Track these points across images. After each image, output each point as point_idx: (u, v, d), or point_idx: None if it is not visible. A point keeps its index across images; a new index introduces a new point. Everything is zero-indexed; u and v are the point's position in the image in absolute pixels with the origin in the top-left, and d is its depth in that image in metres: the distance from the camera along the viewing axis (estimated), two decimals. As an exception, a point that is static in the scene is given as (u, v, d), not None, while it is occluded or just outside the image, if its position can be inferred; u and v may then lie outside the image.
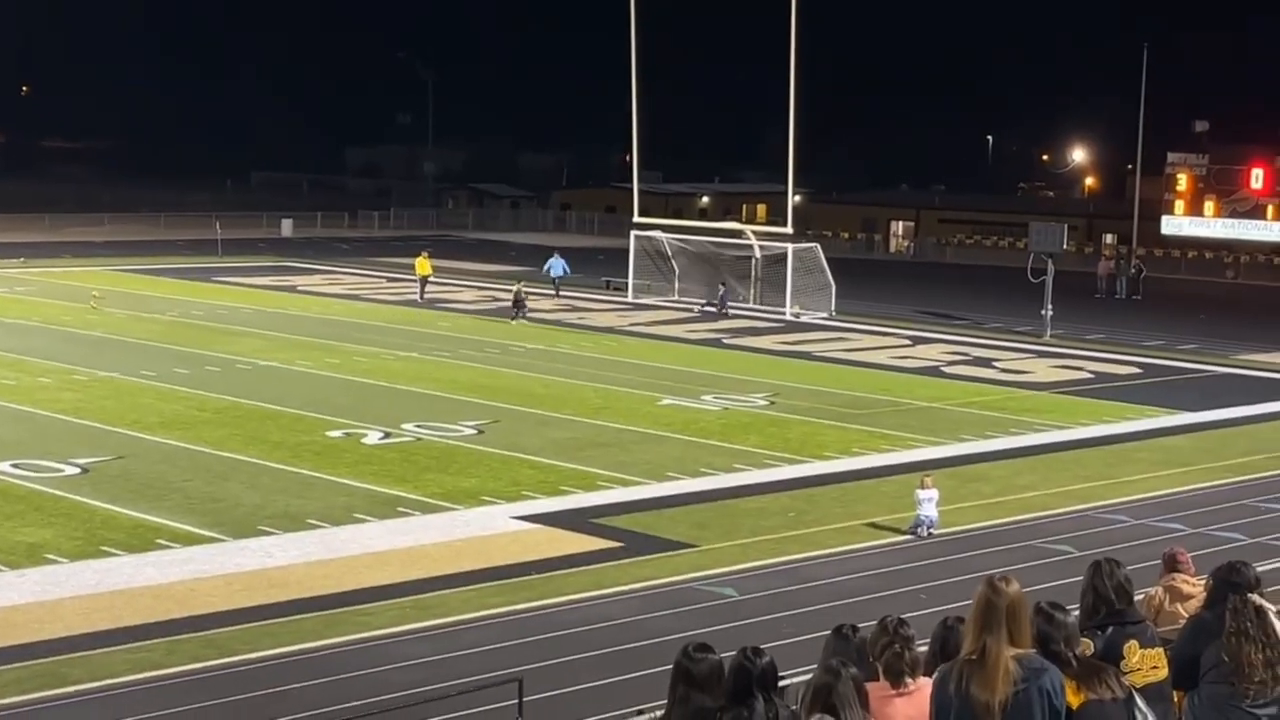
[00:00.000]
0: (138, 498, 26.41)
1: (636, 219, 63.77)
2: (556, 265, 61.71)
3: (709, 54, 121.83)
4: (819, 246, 60.55)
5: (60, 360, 40.99)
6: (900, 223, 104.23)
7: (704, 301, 58.76)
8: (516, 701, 15.21)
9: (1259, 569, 9.32)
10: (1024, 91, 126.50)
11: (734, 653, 7.63)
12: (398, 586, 22.02)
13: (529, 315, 53.14)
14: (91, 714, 17.17)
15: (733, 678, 7.44)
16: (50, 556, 22.77)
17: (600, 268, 69.84)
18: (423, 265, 60.59)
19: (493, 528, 25.63)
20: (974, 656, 7.00)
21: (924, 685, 7.46)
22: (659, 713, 12.64)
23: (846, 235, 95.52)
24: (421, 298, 58.92)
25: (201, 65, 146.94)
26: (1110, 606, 8.16)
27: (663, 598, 21.47)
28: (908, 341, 51.59)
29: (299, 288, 62.80)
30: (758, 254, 60.72)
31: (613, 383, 40.68)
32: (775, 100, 58.38)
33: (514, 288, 55.13)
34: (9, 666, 18.37)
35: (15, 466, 28.32)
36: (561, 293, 60.43)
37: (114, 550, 23.25)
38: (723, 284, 58.54)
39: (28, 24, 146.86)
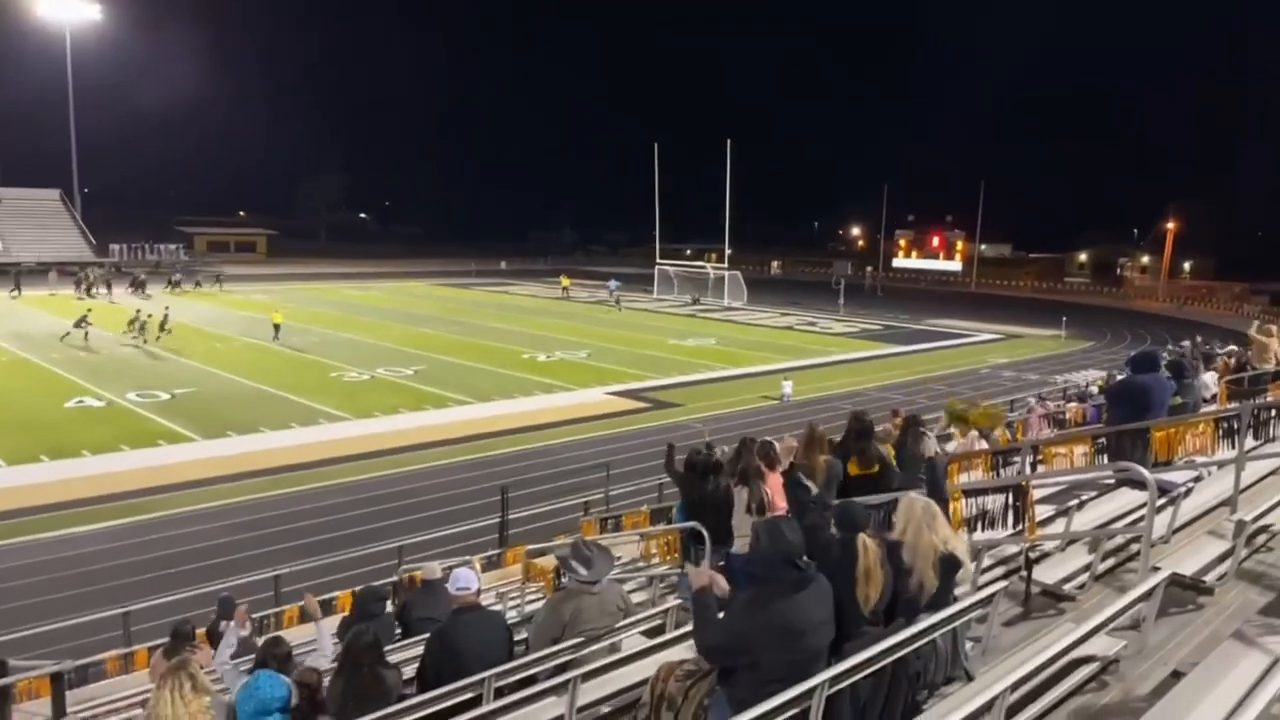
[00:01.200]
0: (438, 383, 26.25)
1: (658, 260, 63.33)
2: (614, 284, 58.51)
3: (689, 181, 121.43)
4: (739, 273, 59.84)
5: (415, 325, 40.76)
6: (775, 261, 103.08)
7: (689, 298, 58.31)
8: (605, 474, 15.29)
9: (928, 415, 9.21)
10: (829, 197, 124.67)
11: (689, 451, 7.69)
12: (553, 423, 21.86)
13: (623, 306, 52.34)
14: (425, 477, 17.23)
15: (700, 466, 7.50)
16: (401, 410, 22.73)
17: (641, 284, 69.27)
18: (565, 280, 61.08)
19: (595, 398, 25.36)
20: (805, 461, 7.03)
21: (776, 474, 7.12)
22: (665, 480, 12.74)
23: (752, 266, 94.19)
24: (566, 296, 58.60)
25: (476, 189, 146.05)
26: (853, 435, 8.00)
27: (669, 428, 21.42)
28: (779, 315, 50.68)
29: (509, 291, 62.37)
30: (711, 275, 60.27)
31: (646, 333, 39.99)
32: (719, 199, 57.64)
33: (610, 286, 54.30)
34: (387, 458, 18.39)
35: (385, 370, 28.06)
36: (619, 298, 59.38)
37: (428, 407, 23.12)
38: (695, 294, 58.15)
39: (391, 169, 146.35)
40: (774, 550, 3.95)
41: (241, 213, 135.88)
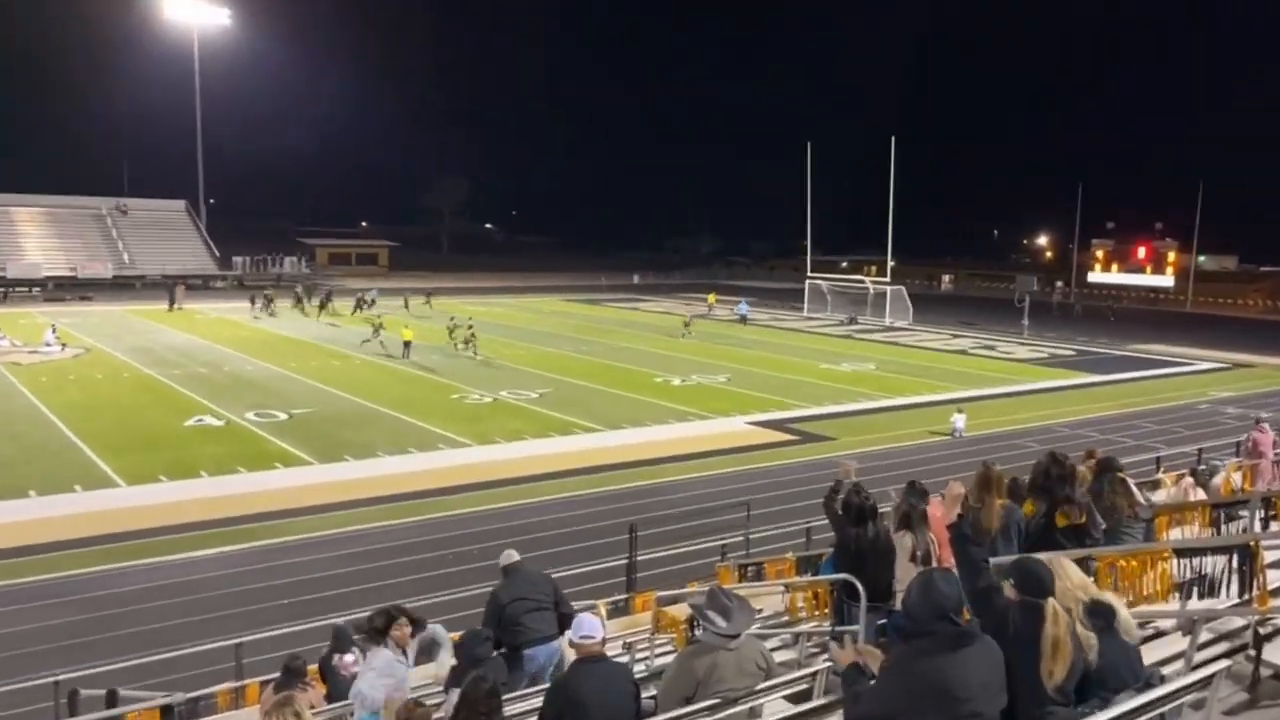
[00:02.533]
0: (564, 409, 26.98)
1: (809, 273, 62.78)
2: (743, 306, 56.21)
3: (846, 185, 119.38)
4: (903, 288, 58.63)
5: (533, 343, 42.03)
6: (946, 274, 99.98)
7: (844, 317, 57.42)
8: (746, 514, 15.20)
9: (1129, 458, 8.73)
10: (1013, 203, 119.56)
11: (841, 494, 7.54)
12: (686, 455, 22.09)
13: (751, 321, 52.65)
14: (547, 511, 17.70)
15: (854, 511, 7.36)
16: (525, 436, 23.53)
17: (790, 299, 68.78)
18: (712, 299, 61.52)
19: (736, 428, 25.54)
20: (979, 505, 6.77)
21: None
22: (821, 523, 12.50)
23: (918, 280, 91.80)
24: (709, 313, 58.94)
25: (601, 196, 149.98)
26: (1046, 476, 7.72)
27: (819, 463, 21.20)
28: (950, 336, 49.50)
29: (640, 308, 63.31)
30: (871, 291, 59.19)
31: (796, 355, 40.10)
32: (880, 207, 56.60)
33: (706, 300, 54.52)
34: (509, 488, 19.03)
35: (509, 393, 29.25)
36: (752, 316, 58.16)
37: (552, 433, 23.82)
38: (853, 312, 57.20)
39: (521, 177, 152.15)
40: (926, 602, 3.85)
41: (364, 223, 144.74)
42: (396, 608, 6.65)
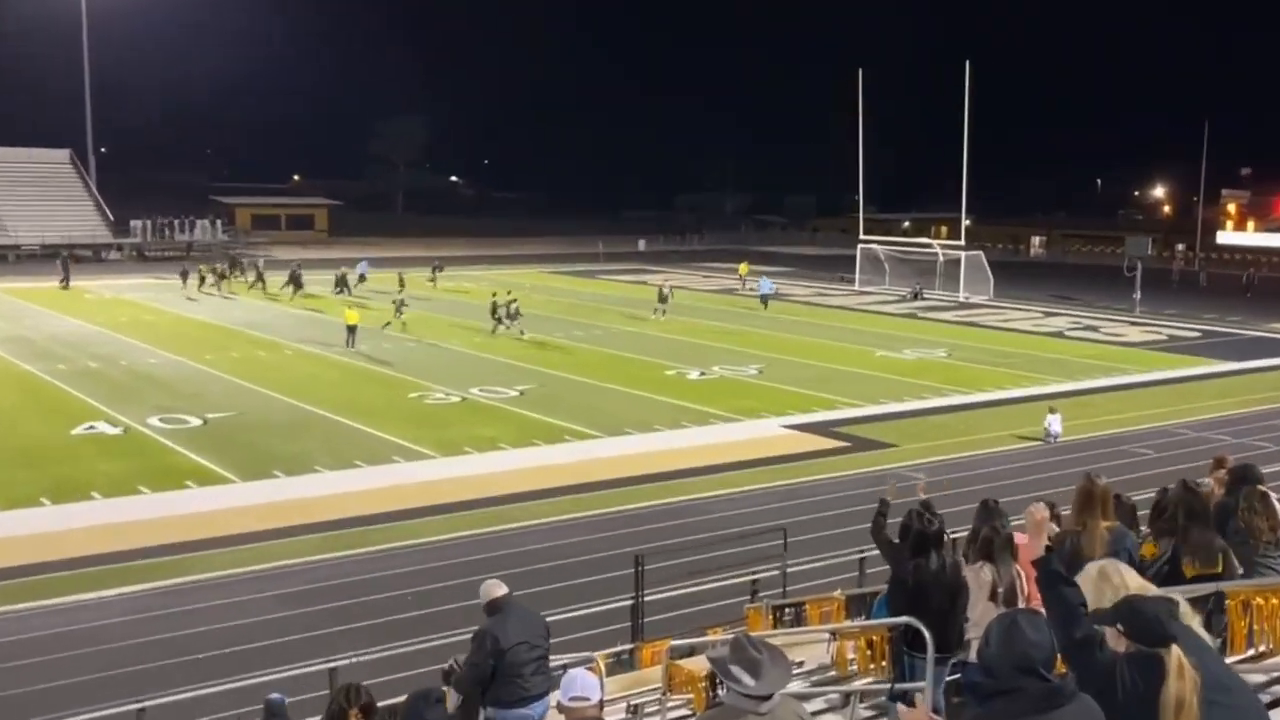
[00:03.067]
0: (551, 410, 27.16)
1: (861, 236, 62.70)
2: (766, 284, 52.89)
3: (910, 126, 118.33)
4: (981, 253, 58.60)
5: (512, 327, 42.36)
6: (1037, 237, 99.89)
7: (906, 291, 57.38)
8: (782, 542, 15.22)
9: (1271, 467, 8.73)
10: (1119, 144, 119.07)
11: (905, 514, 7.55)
12: (707, 468, 22.23)
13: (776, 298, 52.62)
14: (530, 540, 17.82)
15: (914, 538, 7.33)
16: (501, 445, 23.69)
17: (838, 267, 68.86)
18: (744, 269, 61.57)
19: (769, 432, 25.69)
20: (1079, 528, 6.74)
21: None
22: (873, 553, 12.52)
23: (1000, 245, 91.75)
24: (744, 288, 58.98)
25: (594, 144, 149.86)
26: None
27: (874, 478, 21.22)
28: (1041, 315, 49.55)
29: (648, 281, 63.50)
30: (941, 258, 59.11)
31: (844, 340, 40.19)
32: (954, 155, 56.38)
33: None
34: (482, 510, 19.22)
35: (481, 391, 29.44)
36: (789, 292, 58.89)
37: (538, 442, 24.04)
38: (918, 283, 57.14)
39: (493, 118, 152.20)
40: (1008, 652, 3.80)
41: (296, 177, 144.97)
42: (355, 691, 6.28)
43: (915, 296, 56.16)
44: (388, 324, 40.20)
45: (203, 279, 51.09)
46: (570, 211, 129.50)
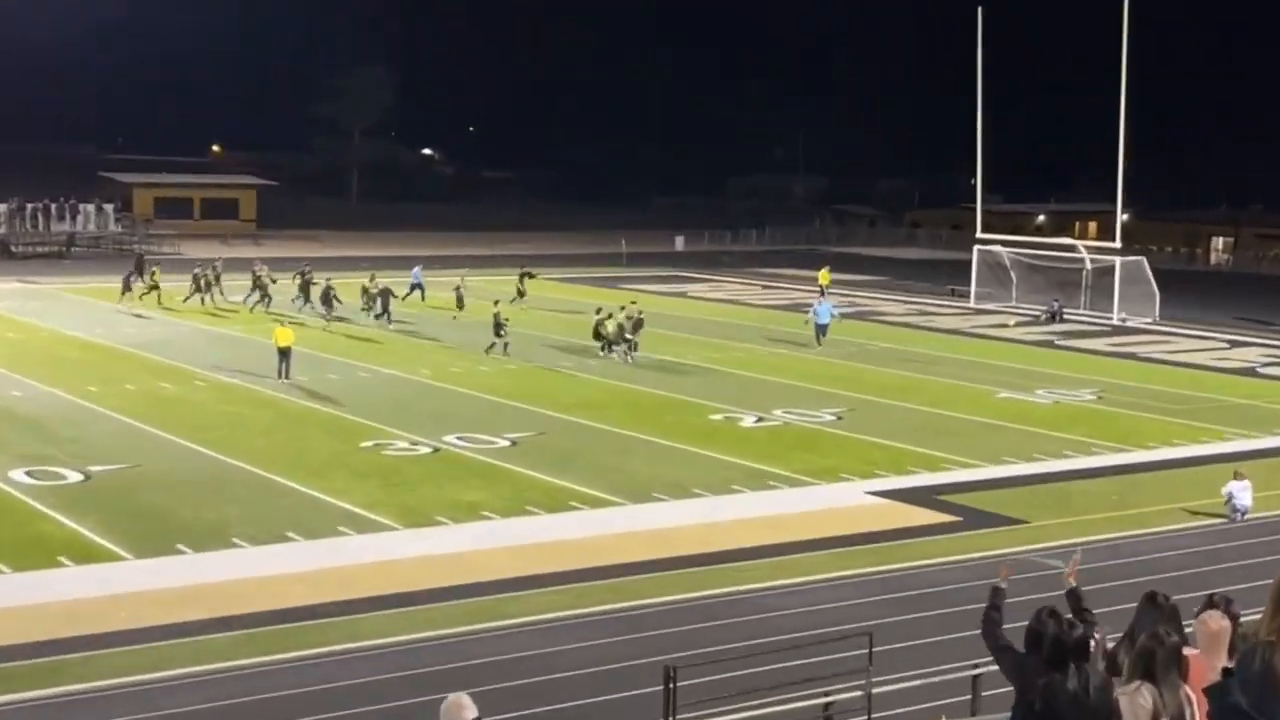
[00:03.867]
0: (555, 467, 27.20)
1: (980, 235, 62.64)
2: (825, 310, 48.67)
3: (1044, 86, 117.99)
4: (1144, 260, 58.41)
5: (494, 352, 42.53)
6: (1220, 238, 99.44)
7: (1041, 310, 57.21)
8: (867, 652, 15.09)
9: None
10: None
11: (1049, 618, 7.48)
12: (767, 548, 22.19)
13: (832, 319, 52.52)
14: (519, 644, 17.78)
15: (1049, 646, 7.27)
16: (486, 514, 23.70)
17: (946, 277, 68.83)
18: (824, 276, 61.32)
19: (848, 500, 25.63)
20: (1273, 639, 6.64)
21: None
22: (990, 668, 12.42)
23: (1170, 249, 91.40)
24: (823, 297, 59.01)
25: (613, 111, 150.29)
26: None
27: (995, 566, 21.00)
28: (1226, 344, 49.41)
29: (689, 293, 63.66)
30: (1088, 266, 58.93)
31: (955, 377, 40.12)
32: (1106, 125, 56.26)
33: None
34: (456, 603, 19.21)
35: (459, 439, 29.52)
36: (877, 309, 59.21)
37: (536, 510, 24.06)
38: (1056, 299, 56.95)
39: (475, 77, 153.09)
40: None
41: (216, 148, 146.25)
42: None
43: (1053, 317, 56.02)
44: (491, 346, 41.10)
45: (129, 283, 51.15)
46: (583, 197, 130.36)
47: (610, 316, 42.12)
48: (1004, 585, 8.18)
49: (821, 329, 45.70)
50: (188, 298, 51.29)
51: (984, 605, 8.65)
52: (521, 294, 54.38)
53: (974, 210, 64.18)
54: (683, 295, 62.89)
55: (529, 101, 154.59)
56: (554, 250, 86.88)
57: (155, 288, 51.74)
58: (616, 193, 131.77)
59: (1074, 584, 8.53)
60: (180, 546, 21.27)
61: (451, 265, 72.07)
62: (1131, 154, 56.56)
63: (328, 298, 48.59)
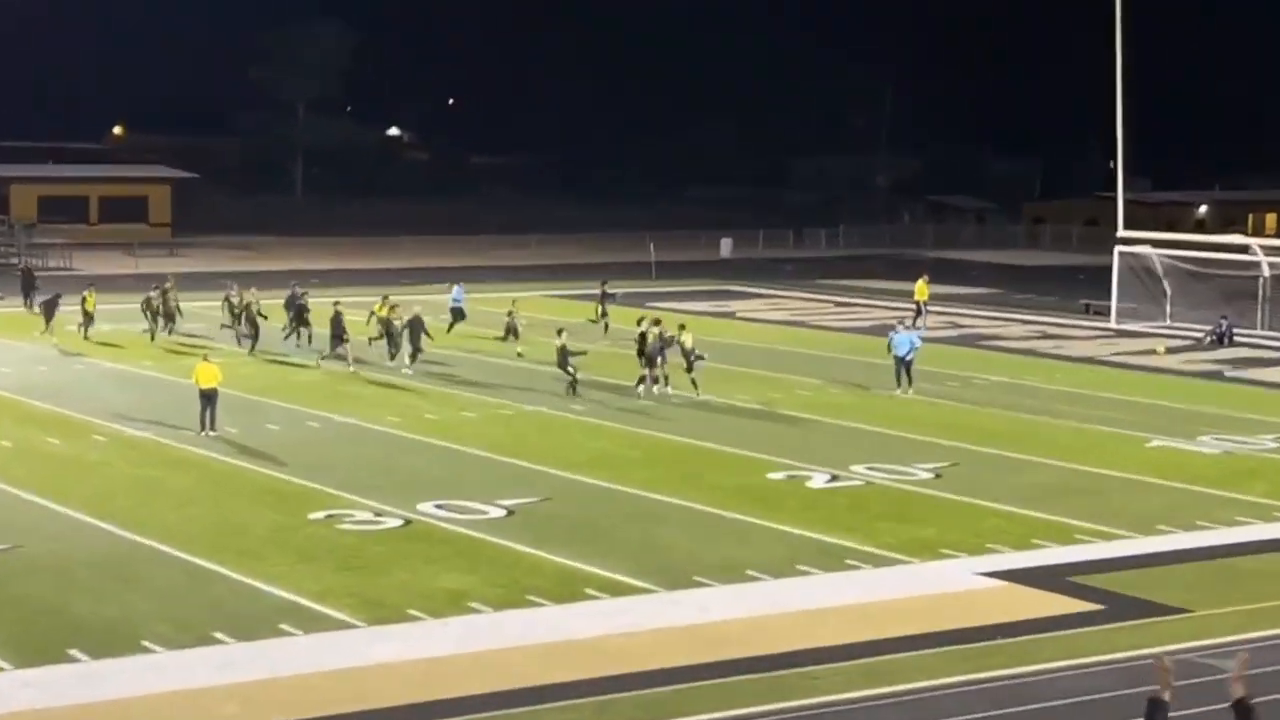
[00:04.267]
0: (565, 542, 27.10)
1: (1122, 233, 62.51)
2: (903, 340, 46.38)
3: (1206, 41, 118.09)
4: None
5: (483, 393, 42.60)
6: None
7: (1205, 331, 56.97)
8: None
9: None
10: None
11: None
12: (846, 648, 21.99)
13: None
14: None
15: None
16: (473, 605, 23.54)
17: (1080, 289, 68.68)
18: (921, 290, 60.90)
19: (954, 584, 25.45)
20: None
21: None
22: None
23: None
24: (914, 324, 58.91)
25: (633, 77, 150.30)
26: None
27: (1154, 676, 20.86)
28: None
29: (738, 314, 63.72)
30: (1266, 271, 58.69)
31: (1092, 420, 39.94)
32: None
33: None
34: (430, 723, 19.13)
35: (439, 507, 29.46)
36: (986, 333, 58.91)
37: (540, 599, 23.90)
38: (1224, 317, 56.73)
39: (457, 35, 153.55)
40: None
41: (118, 129, 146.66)
42: None
43: (1221, 340, 55.81)
44: (573, 382, 42.26)
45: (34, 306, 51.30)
46: (597, 190, 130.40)
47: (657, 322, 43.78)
48: (1167, 697, 8.14)
49: (903, 365, 43.82)
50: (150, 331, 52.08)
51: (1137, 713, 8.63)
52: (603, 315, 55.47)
53: (1114, 201, 64.04)
54: (730, 316, 62.92)
55: (526, 66, 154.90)
56: (561, 259, 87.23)
57: (88, 317, 52.15)
58: (641, 183, 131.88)
59: (1242, 693, 8.45)
60: (73, 652, 21.21)
61: (434, 280, 72.38)
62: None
63: (339, 328, 47.30)
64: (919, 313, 59.58)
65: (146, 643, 21.63)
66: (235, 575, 24.90)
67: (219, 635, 21.99)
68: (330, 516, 28.76)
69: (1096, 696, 20.04)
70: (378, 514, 28.97)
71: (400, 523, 28.43)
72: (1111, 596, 24.70)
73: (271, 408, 39.32)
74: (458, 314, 54.93)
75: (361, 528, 28.12)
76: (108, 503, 29.41)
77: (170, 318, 52.86)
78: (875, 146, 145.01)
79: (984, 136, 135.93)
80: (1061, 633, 22.93)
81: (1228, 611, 23.95)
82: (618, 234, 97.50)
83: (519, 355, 48.75)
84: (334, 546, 26.80)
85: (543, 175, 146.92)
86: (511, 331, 50.32)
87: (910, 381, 43.68)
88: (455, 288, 57.37)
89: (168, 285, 53.70)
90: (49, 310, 51.81)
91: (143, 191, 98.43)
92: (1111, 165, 63.24)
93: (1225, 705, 8.33)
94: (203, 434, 35.66)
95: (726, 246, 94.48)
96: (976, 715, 19.56)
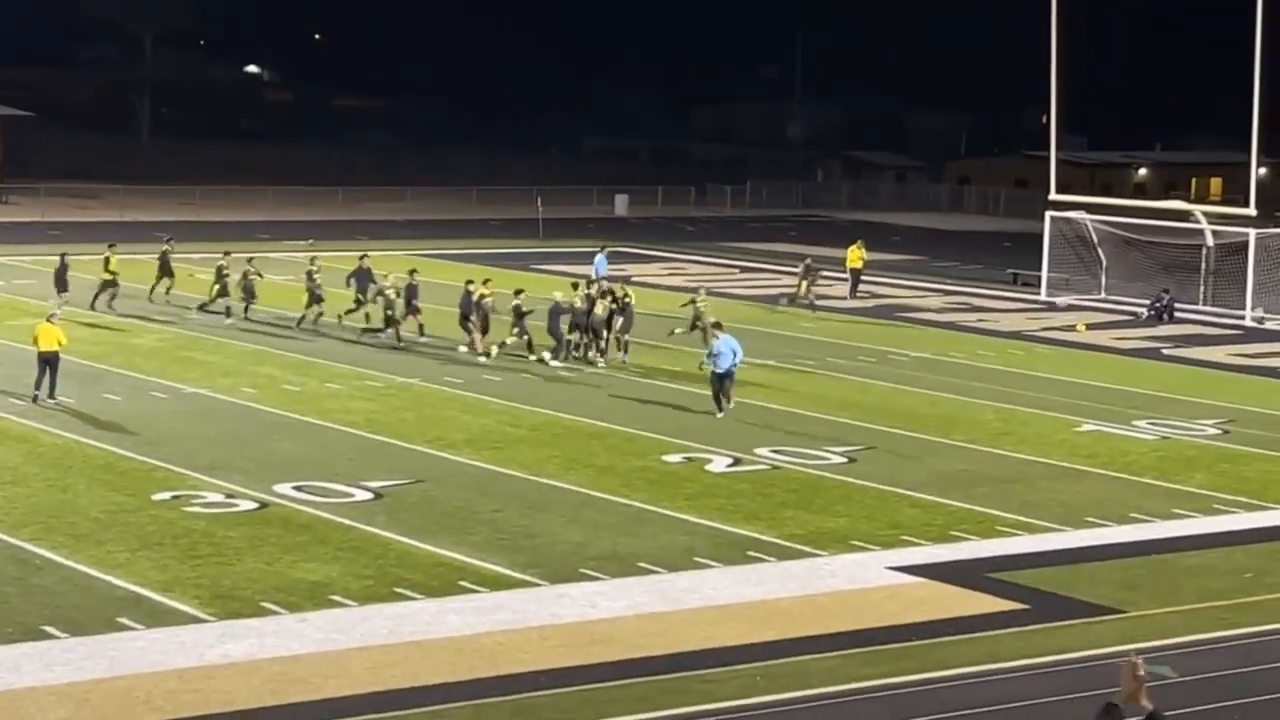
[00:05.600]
0: (439, 530, 27.07)
1: (1054, 196, 62.97)
2: (724, 355, 51.06)
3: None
4: (1286, 227, 58.99)
5: (351, 363, 42.44)
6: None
7: (1146, 305, 57.52)
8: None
9: None
10: None
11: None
12: (746, 649, 22.06)
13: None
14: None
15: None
16: (336, 598, 23.47)
17: (1006, 257, 69.24)
18: (854, 256, 60.84)
19: (865, 580, 25.55)
20: None
21: None
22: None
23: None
24: (852, 295, 59.06)
25: (521, 12, 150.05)
26: None
27: (1079, 676, 20.97)
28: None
29: (634, 278, 63.67)
30: (1210, 241, 59.38)
31: (1019, 402, 40.29)
32: (1234, 48, 56.81)
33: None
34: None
35: (298, 489, 29.34)
36: (905, 302, 59.31)
37: (410, 593, 23.87)
38: (1165, 290, 57.30)
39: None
40: None
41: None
42: None
43: (1160, 314, 56.41)
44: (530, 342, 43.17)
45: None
46: (479, 137, 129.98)
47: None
48: (1123, 702, 8.21)
49: (723, 381, 38.58)
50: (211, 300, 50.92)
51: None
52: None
53: (1045, 161, 64.54)
54: (625, 280, 62.88)
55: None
56: (438, 214, 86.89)
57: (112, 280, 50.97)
58: (527, 130, 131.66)
59: (1150, 707, 8.58)
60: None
61: (294, 234, 71.90)
62: (1271, 85, 57.16)
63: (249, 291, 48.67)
64: (855, 283, 59.72)
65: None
66: (69, 562, 24.66)
67: (49, 629, 21.78)
68: (177, 498, 28.56)
69: (1018, 704, 20.23)
70: (230, 496, 28.80)
71: (255, 506, 28.26)
72: (1036, 595, 24.89)
73: (112, 375, 38.98)
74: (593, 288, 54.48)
75: (212, 511, 27.92)
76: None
77: (250, 294, 50.48)
78: (789, 94, 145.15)
79: (907, 88, 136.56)
80: (981, 634, 23.07)
81: (1163, 612, 24.22)
82: (502, 188, 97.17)
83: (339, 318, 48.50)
84: (181, 531, 26.56)
85: (420, 122, 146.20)
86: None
87: (729, 400, 38.83)
88: (599, 256, 57.46)
89: (249, 264, 51.53)
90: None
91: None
92: (1044, 121, 63.63)
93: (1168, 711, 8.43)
94: (42, 402, 35.35)
95: (622, 204, 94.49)
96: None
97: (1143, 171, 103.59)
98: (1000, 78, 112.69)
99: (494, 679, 20.73)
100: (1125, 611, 24.25)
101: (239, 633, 22.05)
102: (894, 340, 49.65)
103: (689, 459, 33.06)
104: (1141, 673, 8.47)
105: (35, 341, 36.52)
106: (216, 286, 49.80)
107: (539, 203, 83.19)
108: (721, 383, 38.10)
